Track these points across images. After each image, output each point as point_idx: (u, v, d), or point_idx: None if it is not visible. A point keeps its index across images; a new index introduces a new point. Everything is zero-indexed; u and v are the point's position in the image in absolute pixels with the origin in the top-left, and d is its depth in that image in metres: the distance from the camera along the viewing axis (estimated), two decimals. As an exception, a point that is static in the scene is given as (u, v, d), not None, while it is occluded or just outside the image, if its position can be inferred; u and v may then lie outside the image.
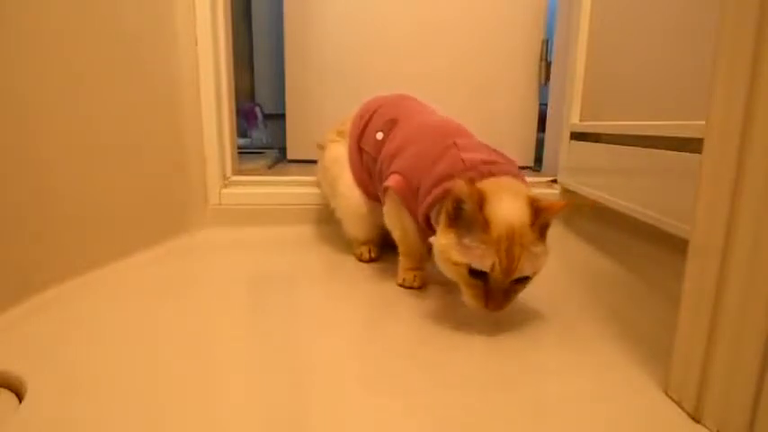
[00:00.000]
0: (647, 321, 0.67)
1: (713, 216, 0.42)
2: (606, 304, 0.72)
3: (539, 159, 1.54)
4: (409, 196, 0.71)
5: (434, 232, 0.65)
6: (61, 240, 0.73)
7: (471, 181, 0.58)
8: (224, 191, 1.12)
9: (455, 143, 0.68)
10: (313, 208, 1.15)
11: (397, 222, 0.76)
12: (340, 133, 0.94)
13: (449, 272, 0.60)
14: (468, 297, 0.59)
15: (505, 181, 0.62)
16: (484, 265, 0.55)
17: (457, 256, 0.57)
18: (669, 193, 0.74)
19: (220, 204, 1.11)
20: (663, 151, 0.77)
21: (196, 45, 1.04)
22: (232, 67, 1.16)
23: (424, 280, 0.76)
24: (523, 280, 0.58)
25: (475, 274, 0.57)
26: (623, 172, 0.92)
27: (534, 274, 0.58)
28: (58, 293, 0.69)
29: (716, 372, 0.42)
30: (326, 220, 1.13)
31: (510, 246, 0.55)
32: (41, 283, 0.68)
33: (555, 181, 1.26)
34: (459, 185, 0.56)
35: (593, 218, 1.21)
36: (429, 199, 0.66)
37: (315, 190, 1.17)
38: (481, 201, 0.56)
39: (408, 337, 0.61)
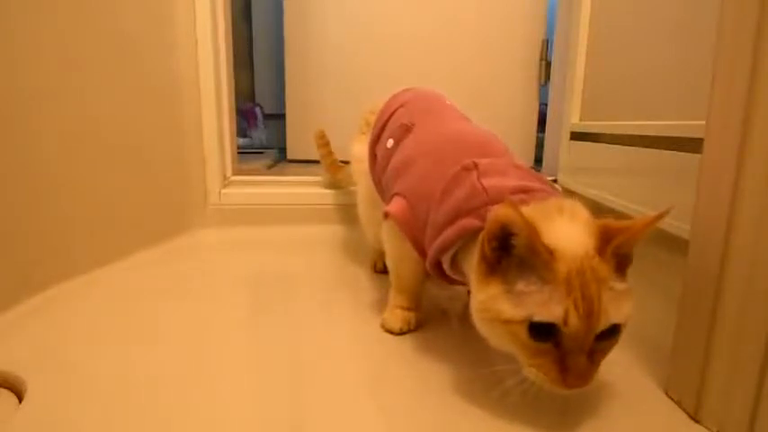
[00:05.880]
0: (648, 321, 0.66)
1: (713, 216, 0.42)
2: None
3: (539, 159, 1.54)
4: (414, 227, 0.57)
5: (449, 281, 0.57)
6: (61, 240, 0.73)
7: (516, 205, 0.40)
8: (224, 191, 1.12)
9: (475, 164, 0.51)
10: (313, 208, 1.15)
11: (393, 252, 0.63)
12: (368, 123, 0.81)
13: (498, 337, 0.43)
14: (533, 371, 0.41)
15: (552, 203, 0.45)
16: (552, 314, 0.38)
17: (509, 309, 0.40)
18: (669, 193, 0.74)
19: (220, 204, 1.11)
20: (663, 151, 0.77)
21: (196, 45, 1.03)
22: (232, 67, 1.16)
23: (419, 323, 0.62)
24: (612, 332, 0.41)
25: (539, 332, 0.39)
26: (623, 172, 0.92)
27: (625, 322, 0.41)
28: (59, 293, 0.69)
29: (716, 372, 0.42)
30: (327, 219, 1.14)
31: (584, 283, 0.39)
32: (42, 283, 0.68)
33: (555, 181, 1.26)
34: (504, 213, 0.40)
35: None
36: (439, 242, 0.51)
37: (315, 190, 1.17)
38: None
39: (410, 340, 0.61)
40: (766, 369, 0.38)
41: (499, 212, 0.41)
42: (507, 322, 0.40)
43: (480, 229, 0.46)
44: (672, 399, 0.47)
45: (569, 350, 0.39)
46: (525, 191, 0.48)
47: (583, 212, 0.44)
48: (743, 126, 0.39)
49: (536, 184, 0.50)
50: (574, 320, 0.38)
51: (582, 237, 0.41)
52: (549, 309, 0.39)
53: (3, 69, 0.63)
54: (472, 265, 0.46)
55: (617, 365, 0.54)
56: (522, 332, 0.40)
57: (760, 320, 0.39)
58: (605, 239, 0.41)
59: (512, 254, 0.42)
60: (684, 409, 0.45)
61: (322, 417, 0.45)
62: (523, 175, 0.52)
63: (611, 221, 0.43)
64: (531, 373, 0.42)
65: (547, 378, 0.40)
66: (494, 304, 0.41)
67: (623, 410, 0.47)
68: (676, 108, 0.79)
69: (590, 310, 0.38)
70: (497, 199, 0.46)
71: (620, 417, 0.46)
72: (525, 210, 0.42)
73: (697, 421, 0.44)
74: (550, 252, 0.39)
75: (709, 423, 0.43)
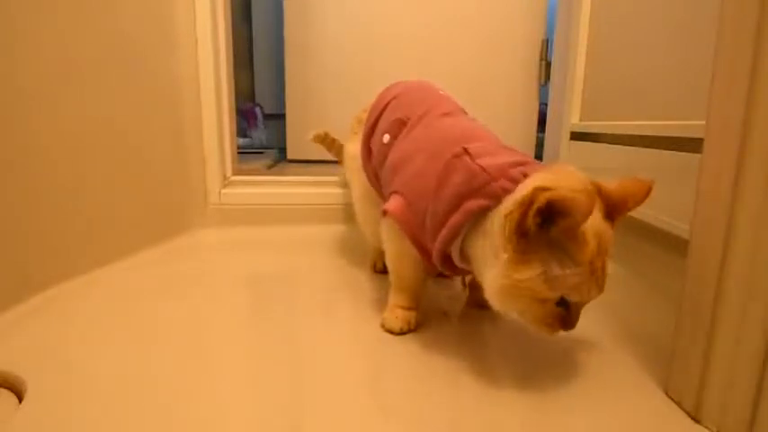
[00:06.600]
0: (648, 321, 0.67)
1: (713, 216, 0.42)
2: (606, 304, 0.72)
3: (539, 159, 1.54)
4: (414, 225, 0.56)
5: (455, 272, 0.58)
6: (61, 240, 0.73)
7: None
8: (224, 191, 1.12)
9: (465, 149, 0.52)
10: (313, 208, 1.15)
11: (393, 251, 0.62)
12: (360, 122, 0.80)
13: (518, 309, 0.48)
14: (540, 326, 0.48)
15: (558, 170, 0.48)
16: (581, 294, 0.45)
17: (546, 291, 0.44)
18: (669, 193, 0.74)
19: (220, 204, 1.11)
20: (663, 151, 0.77)
21: (196, 45, 1.03)
22: (232, 67, 1.16)
23: (419, 322, 0.62)
24: None
25: (561, 303, 0.46)
26: (623, 172, 0.91)
27: None
28: (59, 293, 0.69)
29: (716, 372, 0.42)
30: (327, 219, 1.14)
31: (602, 262, 0.44)
32: (41, 283, 0.68)
33: (555, 181, 1.25)
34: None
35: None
36: (447, 230, 0.51)
37: (315, 190, 1.17)
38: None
39: (410, 339, 0.61)
40: (766, 369, 0.38)
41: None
42: (541, 300, 0.45)
43: (487, 208, 0.48)
44: (672, 399, 0.47)
45: (576, 309, 0.47)
46: (522, 164, 0.50)
47: (582, 179, 0.47)
48: (743, 126, 0.39)
49: (529, 160, 0.52)
50: (594, 294, 0.45)
51: (596, 209, 0.44)
52: (580, 290, 0.44)
53: (3, 69, 0.63)
54: (484, 245, 0.48)
55: (617, 365, 0.54)
56: (551, 305, 0.46)
57: (760, 320, 0.39)
58: (609, 208, 0.46)
59: (548, 231, 0.43)
60: (684, 409, 0.45)
61: (322, 417, 0.45)
62: (513, 153, 0.53)
63: (604, 185, 0.47)
64: (534, 327, 0.48)
65: (551, 330, 0.47)
66: (532, 285, 0.44)
67: (623, 410, 0.47)
68: (676, 108, 0.79)
69: (602, 281, 0.45)
70: (499, 175, 0.49)
71: (620, 417, 0.46)
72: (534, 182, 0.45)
73: (697, 421, 0.44)
74: (584, 237, 0.43)
75: (709, 423, 0.43)
